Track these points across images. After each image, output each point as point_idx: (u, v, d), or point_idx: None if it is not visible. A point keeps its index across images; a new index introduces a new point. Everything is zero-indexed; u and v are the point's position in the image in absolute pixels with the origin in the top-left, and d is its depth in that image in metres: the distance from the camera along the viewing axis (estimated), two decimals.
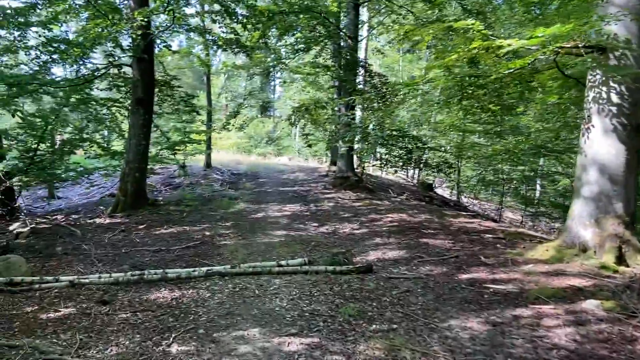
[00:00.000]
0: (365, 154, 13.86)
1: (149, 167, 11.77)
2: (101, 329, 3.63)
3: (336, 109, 18.16)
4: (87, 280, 4.81)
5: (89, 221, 9.42)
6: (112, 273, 5.14)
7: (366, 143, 12.53)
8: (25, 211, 11.08)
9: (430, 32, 5.64)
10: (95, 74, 10.69)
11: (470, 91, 6.86)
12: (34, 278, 4.82)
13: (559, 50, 5.56)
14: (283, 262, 5.49)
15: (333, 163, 19.55)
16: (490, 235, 7.33)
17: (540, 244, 6.53)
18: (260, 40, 12.08)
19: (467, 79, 6.26)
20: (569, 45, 5.52)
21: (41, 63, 8.85)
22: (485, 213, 15.66)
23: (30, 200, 15.71)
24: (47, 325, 3.72)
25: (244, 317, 3.90)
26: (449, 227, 8.08)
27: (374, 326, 3.71)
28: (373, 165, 16.64)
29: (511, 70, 6.07)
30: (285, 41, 16.43)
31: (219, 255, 6.33)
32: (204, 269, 5.20)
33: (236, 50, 10.64)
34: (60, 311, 4.04)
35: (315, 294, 4.52)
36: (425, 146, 13.48)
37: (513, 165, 15.35)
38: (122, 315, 3.97)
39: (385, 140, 12.15)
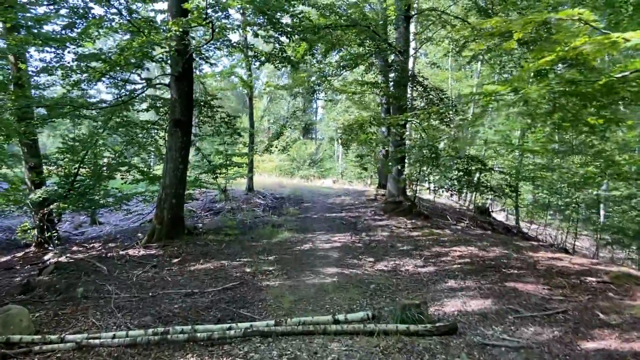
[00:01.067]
0: (434, 179, 12.45)
1: (187, 192, 11.02)
2: None
3: (383, 129, 17.13)
4: (97, 341, 3.84)
5: (122, 252, 8.63)
6: (130, 330, 4.14)
7: (434, 166, 11.12)
8: (56, 241, 10.47)
9: (525, 26, 4.44)
10: (133, 94, 10.12)
11: (564, 101, 5.57)
12: (34, 337, 3.91)
13: None
14: (341, 317, 4.34)
15: (381, 186, 18.36)
16: (592, 279, 5.89)
17: None
18: (306, 56, 11.23)
19: (568, 85, 4.97)
20: None
21: (72, 82, 8.23)
22: (557, 243, 13.92)
23: (71, 226, 15.42)
24: None
25: None
26: (534, 266, 6.68)
27: None
28: (427, 189, 15.29)
29: (626, 74, 4.77)
30: (330, 60, 15.63)
31: (261, 302, 5.25)
32: (242, 325, 4.12)
33: (280, 64, 9.77)
34: None
35: None
36: (487, 167, 12.05)
37: (587, 188, 13.72)
38: None
39: (460, 163, 10.84)
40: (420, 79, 12.04)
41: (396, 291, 5.60)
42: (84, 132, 13.25)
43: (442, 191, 13.76)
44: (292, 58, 9.79)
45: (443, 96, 11.66)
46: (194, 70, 13.75)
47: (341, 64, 13.35)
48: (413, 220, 11.31)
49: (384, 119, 11.12)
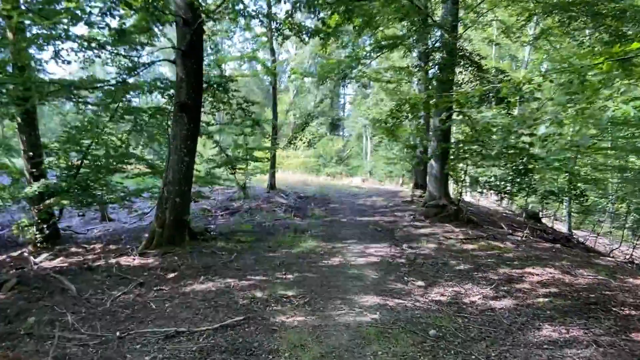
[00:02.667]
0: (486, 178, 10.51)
1: (195, 190, 9.51)
2: None
3: (421, 118, 15.24)
4: None
5: (112, 261, 7.13)
6: None
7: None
8: (39, 243, 9.14)
9: None
10: (133, 72, 8.63)
11: None
12: None
13: None
14: None
15: (417, 186, 16.51)
16: None
17: None
18: (338, 29, 9.49)
19: None
20: None
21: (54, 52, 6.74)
22: (631, 259, 11.75)
23: (82, 223, 14.25)
24: None
25: None
26: None
27: None
28: (475, 191, 13.34)
29: None
30: (363, 45, 13.90)
31: (272, 355, 3.56)
32: None
33: (308, 36, 8.08)
34: None
35: None
36: (549, 167, 10.04)
37: None
38: None
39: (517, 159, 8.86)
40: (477, 58, 10.07)
41: (468, 342, 3.83)
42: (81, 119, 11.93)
43: (491, 193, 11.84)
44: (321, 29, 8.07)
45: (505, 77, 9.68)
46: (210, 51, 12.26)
47: (378, 46, 11.57)
48: (462, 229, 9.48)
49: (448, 95, 8.95)
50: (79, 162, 9.99)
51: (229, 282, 5.68)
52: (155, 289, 5.43)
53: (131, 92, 9.95)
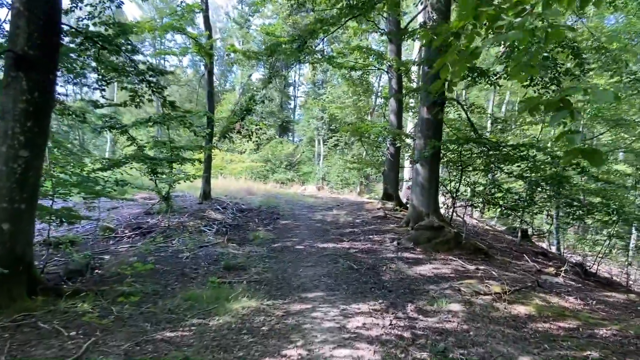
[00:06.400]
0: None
1: (65, 206, 5.83)
2: None
3: (392, 119, 12.44)
4: None
5: None
6: None
7: None
8: None
9: None
10: None
11: None
12: None
13: None
14: None
15: (388, 196, 13.47)
16: None
17: None
18: None
19: None
20: None
21: None
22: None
23: None
24: None
25: None
26: None
27: None
28: (467, 206, 10.44)
29: None
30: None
31: None
32: None
33: None
34: None
35: None
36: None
37: None
38: None
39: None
40: None
41: None
42: None
43: (492, 209, 9.05)
44: None
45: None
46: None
47: (348, 5, 8.44)
48: (477, 265, 6.41)
49: None
50: None
51: None
52: None
53: None
